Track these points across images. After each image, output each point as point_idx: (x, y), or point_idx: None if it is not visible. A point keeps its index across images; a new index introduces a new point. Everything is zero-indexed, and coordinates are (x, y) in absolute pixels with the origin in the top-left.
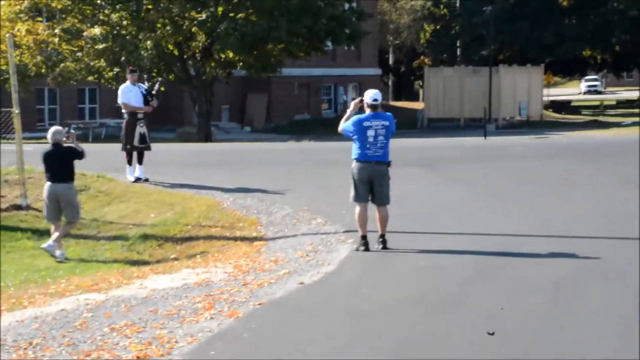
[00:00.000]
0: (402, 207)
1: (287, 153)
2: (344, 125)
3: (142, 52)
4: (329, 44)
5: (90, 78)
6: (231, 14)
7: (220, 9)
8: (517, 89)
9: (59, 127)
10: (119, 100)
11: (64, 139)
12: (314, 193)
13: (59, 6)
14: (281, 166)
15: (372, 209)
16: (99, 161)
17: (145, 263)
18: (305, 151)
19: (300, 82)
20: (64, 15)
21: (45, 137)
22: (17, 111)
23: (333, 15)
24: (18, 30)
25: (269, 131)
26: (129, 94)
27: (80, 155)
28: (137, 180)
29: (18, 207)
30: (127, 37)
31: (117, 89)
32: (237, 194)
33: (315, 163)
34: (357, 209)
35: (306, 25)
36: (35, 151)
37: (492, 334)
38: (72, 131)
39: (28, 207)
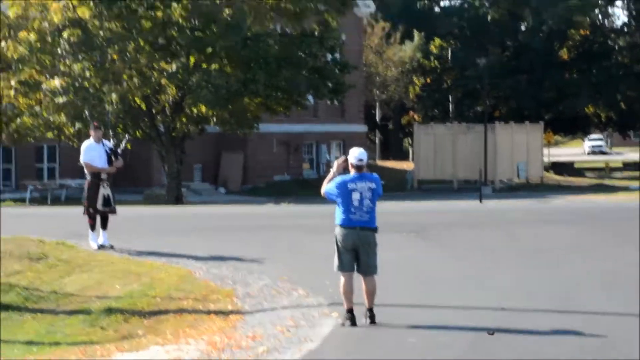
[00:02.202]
0: (391, 277)
1: (265, 217)
2: (327, 187)
3: (107, 106)
4: (311, 98)
5: (49, 135)
6: (204, 65)
7: (192, 59)
8: (514, 149)
9: None
10: (81, 160)
11: None
12: (295, 261)
13: (15, 55)
14: (259, 232)
15: (358, 280)
16: (59, 226)
17: (109, 340)
18: (284, 215)
19: (279, 140)
20: (20, 66)
21: None
22: None
23: (315, 67)
24: None
25: (245, 193)
26: (92, 152)
27: None
28: (101, 247)
29: None
30: (90, 89)
31: (78, 147)
32: (211, 262)
33: (295, 228)
34: (342, 279)
35: (286, 78)
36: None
37: (492, 333)
38: None
39: None
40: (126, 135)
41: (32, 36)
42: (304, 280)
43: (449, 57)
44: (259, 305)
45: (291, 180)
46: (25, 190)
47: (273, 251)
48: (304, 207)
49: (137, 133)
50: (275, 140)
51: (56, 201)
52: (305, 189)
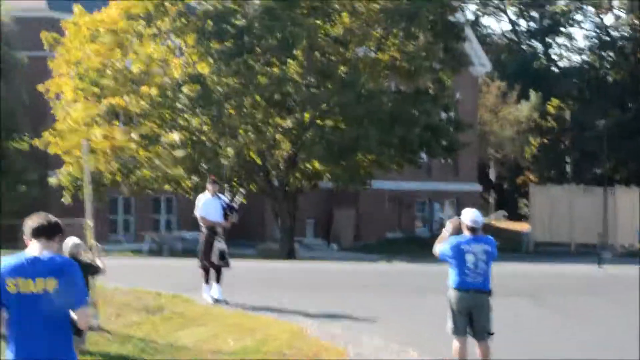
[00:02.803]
0: (505, 341)
1: (377, 275)
2: (441, 248)
3: (223, 160)
4: (424, 155)
5: (167, 187)
6: (318, 121)
7: (306, 115)
8: (635, 213)
9: (78, 241)
10: (197, 213)
11: (82, 252)
12: (407, 322)
13: (137, 110)
14: (370, 290)
15: (472, 343)
16: (175, 278)
17: None
18: (397, 274)
19: (391, 196)
20: (141, 120)
21: (118, 250)
22: (90, 224)
23: (428, 125)
24: (94, 135)
25: (357, 250)
26: (208, 206)
27: (95, 270)
28: (215, 301)
29: (89, 328)
30: (207, 143)
31: (194, 200)
32: (323, 319)
33: (408, 287)
34: (456, 343)
35: (398, 135)
36: (107, 266)
37: (492, 333)
38: (99, 245)
39: (99, 328)
40: (241, 190)
41: (154, 91)
42: (416, 342)
43: (568, 118)
44: None
45: (403, 238)
46: (143, 241)
47: (385, 310)
48: (416, 265)
49: (252, 187)
50: (387, 196)
51: (173, 253)
52: (417, 247)
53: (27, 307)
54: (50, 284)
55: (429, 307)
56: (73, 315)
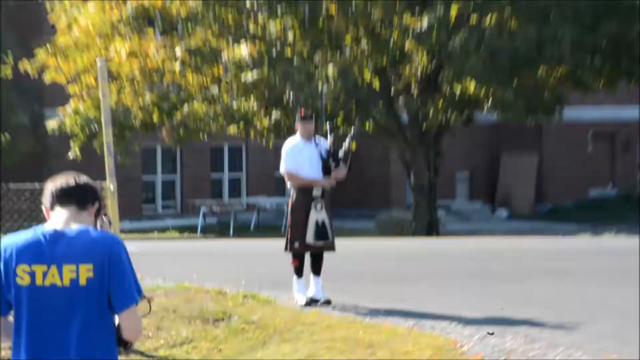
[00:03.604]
0: None
1: (574, 256)
2: None
3: (320, 86)
4: None
5: (232, 130)
6: (473, 19)
7: (453, 8)
8: None
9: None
10: (282, 168)
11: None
12: (628, 328)
13: (183, 13)
14: (564, 279)
15: None
16: (247, 270)
17: None
18: (607, 253)
19: (597, 132)
20: (190, 26)
21: (157, 228)
22: (112, 188)
23: None
24: (116, 51)
25: (540, 217)
26: (299, 157)
27: None
28: (312, 302)
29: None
30: (296, 60)
31: (278, 148)
32: (486, 327)
33: (625, 274)
34: None
35: (609, 33)
36: (141, 253)
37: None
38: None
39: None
40: (351, 130)
41: None
42: None
43: None
44: None
45: (619, 197)
46: (195, 215)
47: (589, 311)
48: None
49: (367, 126)
50: (591, 133)
51: (242, 231)
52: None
53: (46, 308)
54: (83, 273)
55: None
56: (117, 319)
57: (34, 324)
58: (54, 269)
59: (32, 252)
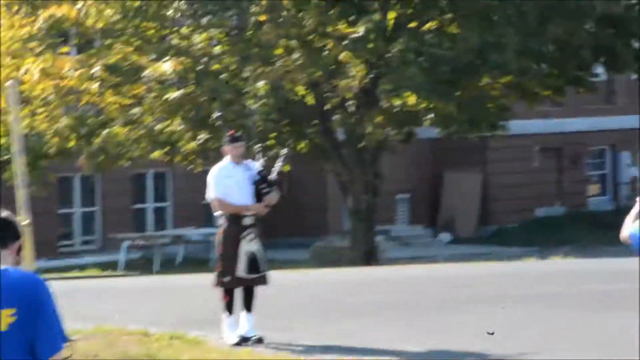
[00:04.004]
0: None
1: (521, 281)
2: (633, 229)
3: (249, 102)
4: (599, 71)
5: (155, 154)
6: (411, 24)
7: (391, 15)
8: None
9: None
10: (210, 195)
11: None
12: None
13: (100, 24)
14: (514, 306)
15: None
16: (173, 308)
17: None
18: (558, 277)
19: (544, 147)
20: (107, 41)
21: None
22: (27, 221)
23: (607, 16)
24: (26, 70)
25: (485, 240)
26: (226, 181)
27: None
28: (244, 340)
29: None
30: (223, 75)
31: (204, 174)
32: None
33: (579, 299)
34: None
35: (555, 37)
36: (59, 292)
37: (492, 333)
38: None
39: None
40: (283, 151)
41: None
42: None
43: None
44: None
45: (565, 215)
46: (117, 250)
47: (541, 342)
48: (591, 261)
49: (301, 145)
50: (537, 147)
51: (168, 265)
52: (590, 230)
53: None
54: (5, 318)
55: (619, 329)
56: None
57: None
58: None
59: None
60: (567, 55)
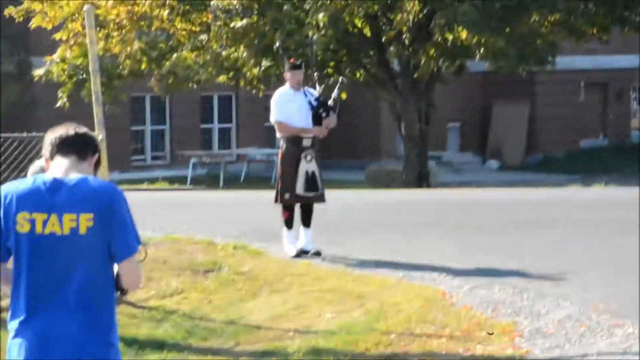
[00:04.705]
0: None
1: (564, 207)
2: None
3: (310, 33)
4: None
5: (221, 78)
6: None
7: None
8: None
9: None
10: (272, 118)
11: None
12: (618, 279)
13: None
14: (554, 231)
15: None
16: (237, 221)
17: None
18: (598, 205)
19: (589, 82)
20: None
21: (146, 179)
22: (101, 136)
23: None
24: None
25: (531, 168)
26: (287, 105)
27: None
28: (302, 253)
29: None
30: (285, 6)
31: (267, 98)
32: (475, 278)
33: (616, 225)
34: None
35: None
36: (131, 204)
37: (492, 333)
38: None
39: (120, 298)
40: (341, 79)
41: None
42: (632, 309)
43: None
44: (559, 350)
45: (610, 147)
46: (185, 165)
47: (578, 261)
48: (630, 190)
49: (358, 74)
50: (583, 82)
51: (232, 181)
52: (632, 160)
53: (46, 257)
54: (83, 222)
55: None
56: (117, 268)
57: (33, 272)
58: (54, 218)
59: (33, 200)
60: None
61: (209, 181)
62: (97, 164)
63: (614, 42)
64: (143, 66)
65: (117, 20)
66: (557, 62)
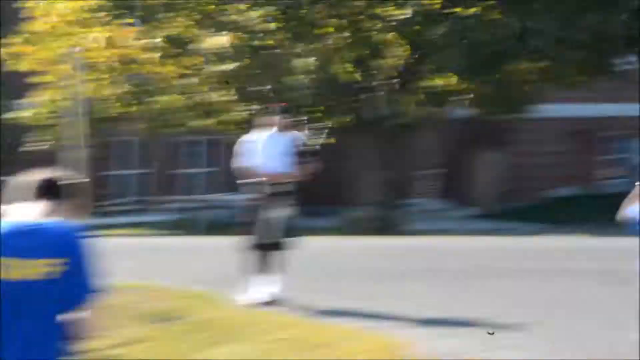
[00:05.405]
0: None
1: (534, 256)
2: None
3: (299, 77)
4: (632, 60)
5: (206, 122)
6: (457, 9)
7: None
8: None
9: None
10: (249, 162)
11: None
12: (579, 328)
13: None
14: (523, 279)
15: None
16: (202, 267)
17: None
18: (568, 253)
19: (563, 129)
20: (168, 14)
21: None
22: (79, 180)
23: None
24: (91, 38)
25: (503, 216)
26: (269, 150)
27: None
28: (267, 301)
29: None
30: (277, 51)
31: (245, 142)
32: (437, 328)
33: (585, 275)
34: None
35: (590, 26)
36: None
37: (492, 333)
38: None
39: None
40: (324, 124)
41: None
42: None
43: None
44: None
45: (583, 196)
46: (166, 210)
47: (540, 311)
48: (600, 240)
49: (346, 119)
50: (557, 130)
51: (211, 227)
52: (605, 210)
53: (15, 302)
54: (51, 267)
55: (615, 303)
56: (77, 315)
57: (4, 319)
58: (31, 262)
59: (12, 243)
60: (602, 44)
61: (191, 227)
62: (73, 207)
63: (590, 91)
64: (134, 109)
65: (108, 63)
66: (538, 109)
